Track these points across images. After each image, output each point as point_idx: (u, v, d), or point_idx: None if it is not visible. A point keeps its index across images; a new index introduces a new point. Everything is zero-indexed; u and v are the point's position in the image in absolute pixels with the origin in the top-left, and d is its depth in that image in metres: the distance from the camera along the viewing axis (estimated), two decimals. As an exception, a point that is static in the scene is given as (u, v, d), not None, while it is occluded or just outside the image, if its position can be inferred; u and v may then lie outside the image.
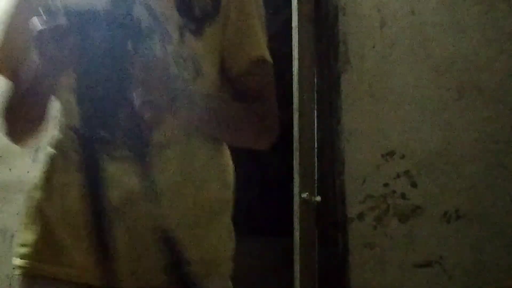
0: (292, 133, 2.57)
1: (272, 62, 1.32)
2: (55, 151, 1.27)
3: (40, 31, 1.03)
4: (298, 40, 2.57)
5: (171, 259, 1.16)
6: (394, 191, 2.74)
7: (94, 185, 1.14)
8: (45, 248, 1.20)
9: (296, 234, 2.47)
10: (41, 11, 1.03)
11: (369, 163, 2.75)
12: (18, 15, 1.19)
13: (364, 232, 2.71)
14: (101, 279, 1.14)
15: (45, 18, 1.03)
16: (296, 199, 2.50)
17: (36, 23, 1.04)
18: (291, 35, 2.61)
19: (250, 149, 1.43)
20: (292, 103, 2.59)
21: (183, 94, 1.12)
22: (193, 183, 1.21)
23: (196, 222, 1.22)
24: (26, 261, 1.22)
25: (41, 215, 1.23)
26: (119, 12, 1.11)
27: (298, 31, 2.58)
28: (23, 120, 1.27)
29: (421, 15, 2.88)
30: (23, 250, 1.24)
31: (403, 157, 2.76)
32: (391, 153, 2.77)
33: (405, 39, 2.86)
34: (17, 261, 1.24)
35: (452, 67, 2.85)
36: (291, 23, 2.63)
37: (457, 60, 2.86)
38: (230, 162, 1.39)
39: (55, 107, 1.22)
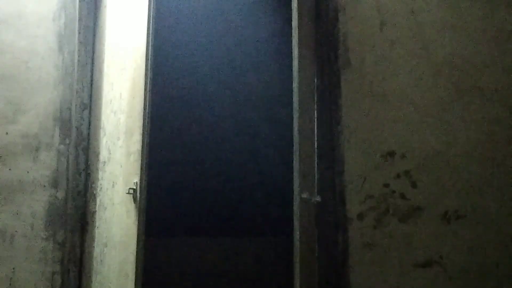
0: (292, 133, 2.57)
1: None
2: None
3: None
4: (298, 40, 2.57)
5: None
6: (394, 191, 2.74)
7: None
8: None
9: (296, 234, 2.47)
10: None
11: (369, 163, 2.75)
12: None
13: (364, 232, 2.71)
14: None
15: None
16: (296, 199, 2.50)
17: None
18: (291, 35, 2.61)
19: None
20: (292, 103, 2.59)
21: None
22: None
23: None
24: None
25: None
26: None
27: (298, 31, 2.58)
28: None
29: (421, 15, 2.88)
30: None
31: (403, 157, 2.76)
32: (391, 153, 2.77)
33: (405, 39, 2.86)
34: None
35: (452, 67, 2.85)
36: (291, 23, 2.63)
37: (457, 60, 2.86)
38: None
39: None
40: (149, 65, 2.55)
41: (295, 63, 2.56)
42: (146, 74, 2.53)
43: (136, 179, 2.49)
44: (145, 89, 2.52)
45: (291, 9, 2.65)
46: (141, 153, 2.48)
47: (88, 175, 2.94)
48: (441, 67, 2.84)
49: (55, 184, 2.82)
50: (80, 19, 2.98)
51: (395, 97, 2.81)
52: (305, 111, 2.65)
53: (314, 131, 2.77)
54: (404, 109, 2.80)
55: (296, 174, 2.52)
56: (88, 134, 2.96)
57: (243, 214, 4.34)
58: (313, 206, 2.63)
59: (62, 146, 2.86)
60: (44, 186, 2.81)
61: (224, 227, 4.33)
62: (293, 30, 2.60)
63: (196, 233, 4.28)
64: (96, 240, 2.87)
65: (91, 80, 3.00)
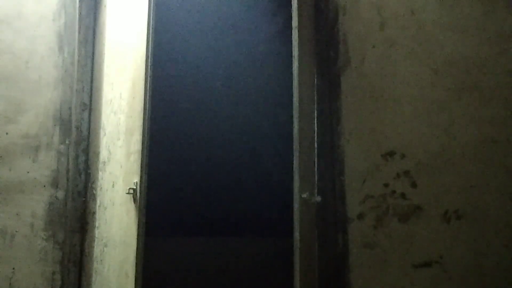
0: (292, 133, 2.57)
1: None
2: None
3: None
4: (298, 40, 2.57)
5: None
6: (394, 191, 2.74)
7: None
8: None
9: (296, 234, 2.47)
10: None
11: (369, 163, 2.75)
12: None
13: (364, 232, 2.71)
14: None
15: None
16: (296, 199, 2.50)
17: None
18: (291, 35, 2.61)
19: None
20: (292, 103, 2.59)
21: None
22: None
23: None
24: None
25: None
26: None
27: (298, 31, 2.58)
28: None
29: (421, 15, 2.88)
30: None
31: (403, 157, 2.76)
32: (391, 153, 2.77)
33: (405, 39, 2.86)
34: None
35: (452, 67, 2.85)
36: (291, 23, 2.63)
37: (457, 60, 2.86)
38: None
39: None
40: (149, 65, 2.55)
41: (295, 63, 2.57)
42: (146, 74, 2.54)
43: (136, 179, 2.49)
44: (145, 89, 2.53)
45: (291, 9, 2.66)
46: (141, 153, 2.48)
47: (88, 175, 2.94)
48: (441, 67, 2.84)
49: (55, 184, 2.82)
50: (80, 19, 2.98)
51: (395, 97, 2.81)
52: (305, 111, 2.65)
53: (314, 131, 2.77)
54: (404, 109, 2.80)
55: (296, 174, 2.52)
56: (88, 134, 2.96)
57: (243, 214, 4.34)
58: (313, 206, 2.63)
59: (62, 146, 2.86)
60: (44, 186, 2.81)
61: (224, 227, 4.33)
62: (293, 30, 2.61)
63: (196, 233, 4.28)
64: (96, 240, 2.87)
65: (91, 80, 3.00)
